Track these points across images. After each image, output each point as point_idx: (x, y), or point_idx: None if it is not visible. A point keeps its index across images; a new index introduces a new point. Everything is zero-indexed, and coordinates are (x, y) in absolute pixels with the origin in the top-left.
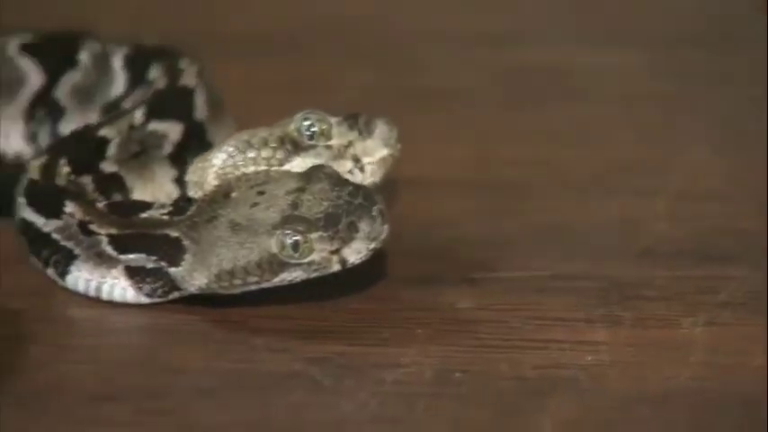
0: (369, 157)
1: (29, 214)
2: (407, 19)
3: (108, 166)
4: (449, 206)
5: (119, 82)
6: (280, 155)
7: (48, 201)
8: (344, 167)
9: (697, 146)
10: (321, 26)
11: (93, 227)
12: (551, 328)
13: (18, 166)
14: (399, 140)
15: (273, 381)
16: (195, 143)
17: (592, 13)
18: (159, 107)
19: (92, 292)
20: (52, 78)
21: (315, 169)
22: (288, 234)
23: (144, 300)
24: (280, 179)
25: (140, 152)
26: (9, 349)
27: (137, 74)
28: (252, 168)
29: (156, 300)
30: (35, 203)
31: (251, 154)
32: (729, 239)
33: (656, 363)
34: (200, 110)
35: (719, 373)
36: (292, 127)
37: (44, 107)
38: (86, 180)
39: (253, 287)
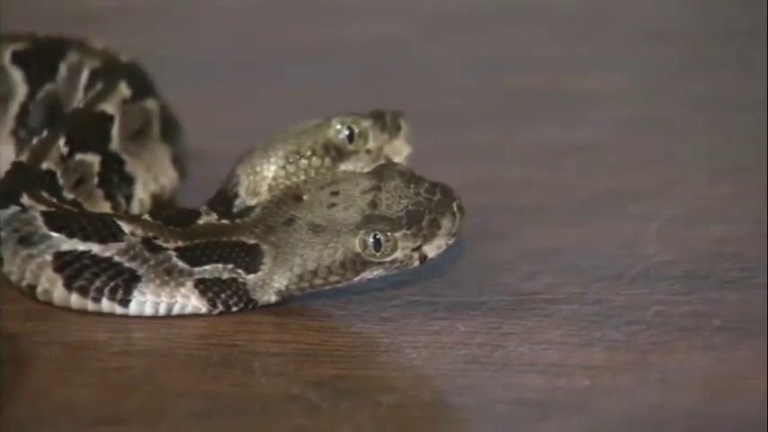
0: (398, 156)
1: (74, 244)
2: (408, 43)
3: (68, 195)
4: None
5: (78, 98)
6: (327, 162)
7: (95, 225)
8: None
9: (696, 171)
10: (325, 49)
11: (159, 241)
12: (548, 351)
13: None
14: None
15: (271, 404)
16: (114, 176)
17: (590, 37)
18: (78, 136)
19: (161, 314)
20: (33, 91)
21: (384, 167)
22: (371, 233)
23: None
24: (350, 179)
25: (80, 181)
26: (9, 374)
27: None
28: (303, 177)
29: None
30: (77, 231)
31: (303, 164)
32: (726, 263)
33: (652, 388)
34: (116, 140)
35: (716, 398)
36: (332, 132)
37: (26, 126)
38: None
39: (332, 286)
